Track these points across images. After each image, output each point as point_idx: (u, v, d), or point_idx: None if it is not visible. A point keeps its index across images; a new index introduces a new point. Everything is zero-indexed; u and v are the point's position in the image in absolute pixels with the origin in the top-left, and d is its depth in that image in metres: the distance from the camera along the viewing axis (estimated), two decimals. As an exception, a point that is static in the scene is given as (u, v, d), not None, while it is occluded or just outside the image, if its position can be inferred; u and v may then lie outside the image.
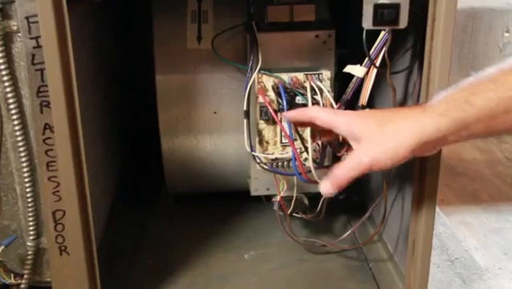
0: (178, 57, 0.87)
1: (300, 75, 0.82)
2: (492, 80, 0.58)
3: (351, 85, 0.73)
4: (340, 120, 0.65)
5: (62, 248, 0.73)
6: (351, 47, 0.86)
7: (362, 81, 0.73)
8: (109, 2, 0.80)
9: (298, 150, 0.79)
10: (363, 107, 0.73)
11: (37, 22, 0.65)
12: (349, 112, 0.67)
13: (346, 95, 0.74)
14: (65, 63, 0.65)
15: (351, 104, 0.75)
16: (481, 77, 0.59)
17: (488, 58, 1.38)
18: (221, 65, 0.86)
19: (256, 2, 0.82)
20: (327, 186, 0.65)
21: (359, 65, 0.73)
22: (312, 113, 0.68)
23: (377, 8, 0.66)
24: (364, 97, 0.73)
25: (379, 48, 0.71)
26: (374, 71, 0.72)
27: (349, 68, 0.73)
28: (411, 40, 0.75)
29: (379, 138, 0.61)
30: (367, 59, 0.72)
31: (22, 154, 0.71)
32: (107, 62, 0.91)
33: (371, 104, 0.76)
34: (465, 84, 0.60)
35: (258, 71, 0.80)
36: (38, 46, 0.67)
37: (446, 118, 0.58)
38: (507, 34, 1.35)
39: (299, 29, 0.83)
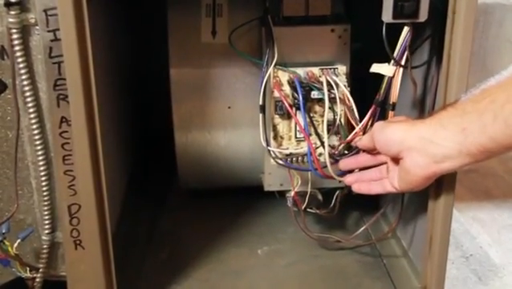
0: (192, 51, 0.87)
1: (316, 70, 0.81)
2: None
3: (383, 85, 0.72)
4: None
5: (78, 242, 0.73)
6: (366, 41, 0.86)
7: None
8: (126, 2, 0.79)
9: (313, 145, 0.79)
10: (394, 105, 0.72)
11: (55, 14, 0.65)
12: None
13: (379, 96, 0.73)
14: (83, 56, 0.65)
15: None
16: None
17: (500, 53, 1.38)
18: (235, 59, 0.86)
19: (271, -5, 0.82)
20: None
21: (386, 64, 0.72)
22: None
23: (397, 1, 0.65)
24: (394, 95, 0.72)
25: (403, 46, 0.70)
26: (400, 69, 0.71)
27: (376, 68, 0.72)
28: (428, 33, 0.74)
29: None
30: (393, 56, 0.71)
31: (39, 147, 0.71)
32: (122, 55, 0.91)
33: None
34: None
35: (274, 66, 0.80)
36: (56, 40, 0.66)
37: None
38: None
39: (315, 23, 0.83)
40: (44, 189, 0.73)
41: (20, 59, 0.68)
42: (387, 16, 0.66)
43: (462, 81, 0.68)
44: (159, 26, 0.88)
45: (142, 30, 1.00)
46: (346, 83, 0.81)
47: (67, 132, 0.69)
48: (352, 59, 0.85)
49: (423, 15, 0.66)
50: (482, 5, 1.35)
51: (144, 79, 1.03)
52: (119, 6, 0.89)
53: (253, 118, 0.83)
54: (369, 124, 0.76)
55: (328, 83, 0.79)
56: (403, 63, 0.71)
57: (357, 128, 0.77)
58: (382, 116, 0.75)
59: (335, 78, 0.80)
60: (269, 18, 0.81)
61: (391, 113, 0.73)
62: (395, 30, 0.70)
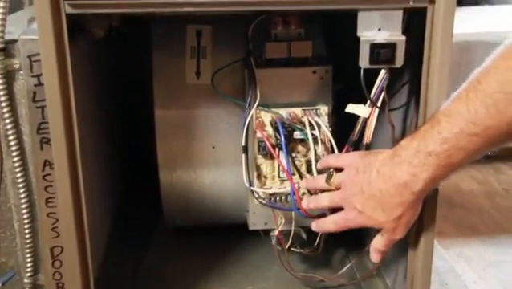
0: (177, 92, 0.88)
1: (298, 111, 0.83)
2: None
3: (358, 126, 0.73)
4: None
5: (60, 285, 0.73)
6: (348, 81, 0.87)
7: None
8: (110, 37, 0.81)
9: (296, 185, 0.80)
10: (368, 146, 0.73)
11: (39, 60, 0.66)
12: None
13: (353, 136, 0.74)
14: (66, 100, 0.66)
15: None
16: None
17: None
18: (219, 100, 0.87)
19: (254, 38, 0.83)
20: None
21: (362, 105, 0.74)
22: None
23: (374, 47, 0.67)
24: (368, 136, 0.73)
25: (380, 88, 0.72)
26: (376, 111, 0.73)
27: (351, 108, 0.74)
28: (407, 77, 0.76)
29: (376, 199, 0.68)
30: (369, 98, 0.73)
31: (22, 190, 0.72)
32: (107, 96, 0.92)
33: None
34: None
35: (257, 107, 0.81)
36: (40, 84, 0.68)
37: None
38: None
39: (297, 65, 0.84)
40: (27, 231, 0.73)
41: (4, 104, 0.69)
42: (364, 62, 0.68)
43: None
44: (143, 67, 0.89)
45: (127, 71, 1.01)
46: (327, 124, 0.82)
47: (49, 174, 0.69)
48: (336, 97, 0.86)
49: (399, 61, 0.68)
50: (464, 43, 1.38)
51: (129, 119, 1.04)
52: (103, 49, 0.90)
53: (237, 157, 0.84)
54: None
55: (310, 124, 0.81)
56: (379, 104, 0.73)
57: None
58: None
59: (316, 118, 0.82)
60: (251, 60, 0.83)
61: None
62: (375, 72, 0.72)
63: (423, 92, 0.70)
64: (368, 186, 0.67)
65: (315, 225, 0.78)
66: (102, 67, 0.89)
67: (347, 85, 0.88)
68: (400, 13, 0.68)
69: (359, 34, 0.68)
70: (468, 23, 1.50)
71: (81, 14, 0.63)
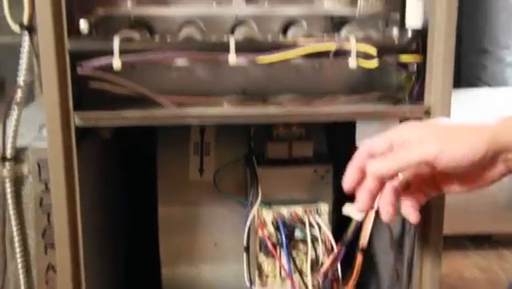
0: (180, 189, 0.90)
1: (299, 210, 0.84)
2: None
3: (351, 226, 0.75)
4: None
5: None
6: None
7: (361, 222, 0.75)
8: (117, 137, 0.83)
9: (296, 284, 0.80)
10: (363, 250, 0.74)
11: (48, 167, 0.68)
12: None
13: (347, 236, 0.76)
14: (71, 206, 0.68)
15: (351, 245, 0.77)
16: None
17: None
18: (222, 197, 0.89)
19: (256, 137, 0.86)
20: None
21: (357, 205, 0.75)
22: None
23: (371, 157, 0.69)
24: (364, 239, 0.74)
25: (375, 191, 0.73)
26: (372, 214, 0.74)
27: (347, 210, 0.75)
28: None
29: (451, 133, 0.58)
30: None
31: (24, 293, 0.72)
32: (111, 194, 0.93)
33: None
34: None
35: (258, 206, 0.83)
36: (47, 190, 0.69)
37: None
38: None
39: (298, 164, 0.86)
40: (28, 333, 0.73)
41: (11, 208, 0.70)
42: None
43: (439, 230, 0.71)
44: (148, 163, 0.91)
45: (133, 168, 1.03)
46: (328, 223, 0.83)
47: (53, 278, 0.70)
48: (337, 190, 0.87)
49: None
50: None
51: (133, 214, 1.05)
52: (110, 148, 0.92)
53: (238, 255, 0.85)
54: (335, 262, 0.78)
55: (310, 224, 0.82)
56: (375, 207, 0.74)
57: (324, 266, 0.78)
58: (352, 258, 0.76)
59: (317, 218, 0.83)
60: (253, 158, 0.85)
61: (359, 257, 0.75)
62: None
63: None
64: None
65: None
66: (108, 165, 0.91)
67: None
68: (397, 123, 0.70)
69: (357, 144, 0.71)
70: (467, 107, 1.53)
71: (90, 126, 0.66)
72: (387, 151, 0.60)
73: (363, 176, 0.62)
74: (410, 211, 0.62)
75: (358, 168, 0.62)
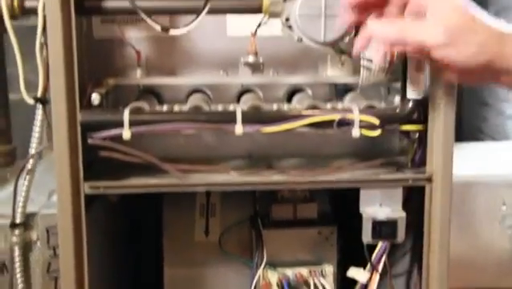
0: (186, 250, 0.90)
1: (304, 271, 0.84)
2: None
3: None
4: None
5: None
6: (352, 239, 0.89)
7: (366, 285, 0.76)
8: (124, 200, 0.85)
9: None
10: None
11: (56, 233, 0.69)
12: None
13: None
14: (79, 272, 0.69)
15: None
16: None
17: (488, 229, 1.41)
18: (227, 258, 0.89)
19: (261, 199, 0.87)
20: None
21: (362, 269, 0.76)
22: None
23: (375, 224, 0.70)
24: (369, 302, 0.75)
25: (379, 256, 0.74)
26: (377, 276, 0.75)
27: (352, 273, 0.76)
28: (409, 243, 0.78)
29: (466, 25, 0.56)
30: (369, 264, 0.75)
31: None
32: (118, 256, 0.94)
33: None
34: None
35: (263, 267, 0.83)
36: (55, 256, 0.70)
37: None
38: (504, 208, 1.39)
39: (302, 226, 0.87)
40: None
41: (19, 273, 0.71)
42: (366, 237, 0.71)
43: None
44: (155, 225, 0.92)
45: (141, 230, 1.04)
46: (332, 285, 0.84)
47: None
48: (342, 250, 0.88)
49: (400, 237, 0.71)
50: (465, 186, 1.41)
51: (139, 277, 1.05)
52: (118, 211, 0.93)
53: (244, 316, 0.85)
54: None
55: (315, 286, 0.82)
56: (380, 269, 0.75)
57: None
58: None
59: (322, 280, 0.83)
60: (259, 220, 0.86)
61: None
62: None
63: (425, 262, 0.72)
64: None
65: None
66: (115, 227, 0.92)
67: (351, 243, 0.90)
68: (400, 190, 0.72)
69: (361, 210, 0.72)
70: (470, 163, 1.53)
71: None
72: (400, 3, 0.59)
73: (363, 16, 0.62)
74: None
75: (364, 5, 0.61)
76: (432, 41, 0.57)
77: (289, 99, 0.79)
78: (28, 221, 0.71)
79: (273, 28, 0.71)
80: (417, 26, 0.58)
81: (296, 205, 0.87)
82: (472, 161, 1.54)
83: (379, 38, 0.60)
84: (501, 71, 0.57)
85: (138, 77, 0.74)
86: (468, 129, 1.85)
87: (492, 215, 1.43)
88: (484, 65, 0.57)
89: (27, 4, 0.65)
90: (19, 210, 0.71)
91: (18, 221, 0.70)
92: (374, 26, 0.60)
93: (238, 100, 0.78)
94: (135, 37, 0.75)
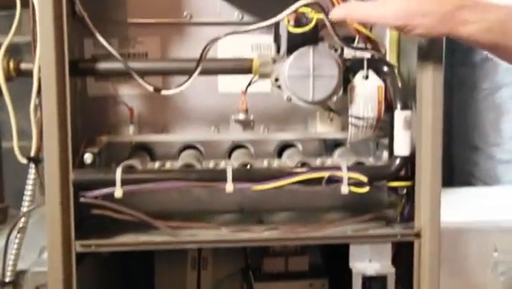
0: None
1: (296, 326, 0.84)
2: None
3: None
4: None
5: None
6: None
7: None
8: (115, 254, 0.84)
9: None
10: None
11: (45, 292, 0.69)
12: None
13: None
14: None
15: None
16: None
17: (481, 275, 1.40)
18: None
19: (253, 252, 0.87)
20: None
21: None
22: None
23: (365, 280, 0.71)
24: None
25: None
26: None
27: None
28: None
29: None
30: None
31: None
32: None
33: None
34: None
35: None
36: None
37: None
38: (496, 254, 1.40)
39: (294, 278, 0.87)
40: None
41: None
42: (357, 295, 0.71)
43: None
44: (147, 279, 0.92)
45: (130, 285, 1.03)
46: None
47: None
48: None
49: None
50: (456, 232, 1.41)
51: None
52: (110, 266, 0.93)
53: None
54: None
55: None
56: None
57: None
58: None
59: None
60: (250, 273, 0.86)
61: None
62: None
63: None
64: None
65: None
66: (107, 282, 0.91)
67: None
68: (389, 245, 0.72)
69: (351, 265, 0.72)
70: (461, 209, 1.54)
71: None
72: None
73: None
74: None
75: None
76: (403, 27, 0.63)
77: (279, 154, 0.80)
78: (18, 280, 0.71)
79: (263, 84, 0.72)
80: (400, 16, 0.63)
81: (288, 258, 0.87)
82: (463, 207, 1.55)
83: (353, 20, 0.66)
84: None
85: (131, 134, 0.75)
86: (459, 174, 1.87)
87: (484, 262, 1.43)
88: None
89: (23, 66, 0.67)
90: (9, 268, 0.71)
91: (7, 279, 0.70)
92: (352, 8, 0.66)
93: (230, 156, 0.79)
94: (128, 94, 0.77)
